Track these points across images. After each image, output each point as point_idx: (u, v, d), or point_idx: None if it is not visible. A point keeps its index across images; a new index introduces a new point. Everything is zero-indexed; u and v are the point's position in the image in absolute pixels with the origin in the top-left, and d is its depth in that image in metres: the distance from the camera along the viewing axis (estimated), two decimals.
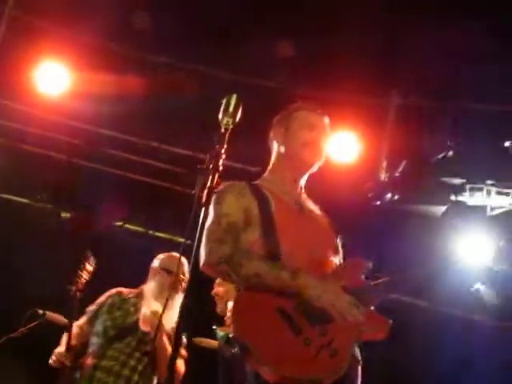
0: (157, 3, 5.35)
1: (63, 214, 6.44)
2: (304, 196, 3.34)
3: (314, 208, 3.39)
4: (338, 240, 3.36)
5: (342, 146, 5.65)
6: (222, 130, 2.86)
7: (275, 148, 3.43)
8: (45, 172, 6.07)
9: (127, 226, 6.51)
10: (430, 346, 6.36)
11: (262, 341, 2.90)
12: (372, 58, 5.30)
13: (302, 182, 3.33)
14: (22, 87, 5.64)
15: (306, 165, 3.30)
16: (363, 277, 3.12)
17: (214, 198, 3.11)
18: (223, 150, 2.78)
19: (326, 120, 3.41)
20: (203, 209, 2.65)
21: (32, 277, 6.00)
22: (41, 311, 4.76)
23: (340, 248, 3.34)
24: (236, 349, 2.96)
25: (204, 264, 2.98)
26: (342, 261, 3.30)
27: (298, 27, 5.30)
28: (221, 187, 3.16)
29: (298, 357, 2.86)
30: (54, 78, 5.63)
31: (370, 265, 3.17)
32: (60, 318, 4.74)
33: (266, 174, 3.44)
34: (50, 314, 4.76)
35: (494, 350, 6.09)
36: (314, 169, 3.31)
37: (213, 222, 3.11)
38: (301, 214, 3.21)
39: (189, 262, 2.86)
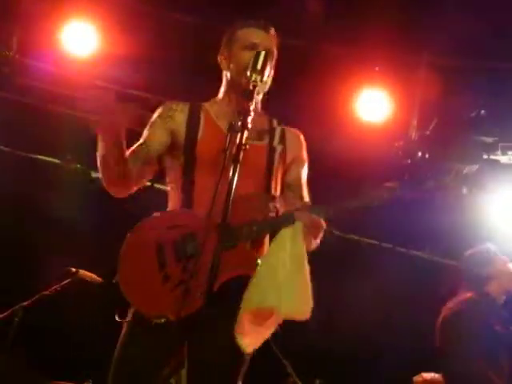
0: None
1: (93, 175, 6.50)
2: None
3: (276, 138, 3.21)
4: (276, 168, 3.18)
5: (373, 104, 5.60)
6: (250, 87, 2.83)
7: (223, 73, 3.29)
8: (74, 133, 6.07)
9: (156, 185, 6.54)
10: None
11: (130, 276, 2.95)
12: (403, 15, 5.23)
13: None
14: (49, 47, 5.61)
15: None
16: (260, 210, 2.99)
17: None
18: (252, 107, 2.75)
19: (271, 33, 3.21)
20: (234, 166, 2.61)
21: (64, 236, 6.06)
22: (73, 269, 4.87)
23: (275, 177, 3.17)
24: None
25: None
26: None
27: None
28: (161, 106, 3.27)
29: (152, 292, 2.90)
30: (81, 39, 5.59)
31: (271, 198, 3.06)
32: (92, 277, 4.90)
33: (216, 97, 3.32)
34: (82, 271, 4.88)
35: None
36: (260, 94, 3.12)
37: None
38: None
39: None
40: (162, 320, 2.82)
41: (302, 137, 3.35)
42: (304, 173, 3.32)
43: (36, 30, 5.55)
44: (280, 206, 3.13)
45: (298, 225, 2.91)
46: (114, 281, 3.07)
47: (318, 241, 3.02)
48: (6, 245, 6.22)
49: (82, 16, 5.55)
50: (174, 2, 5.28)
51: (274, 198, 3.10)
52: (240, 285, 2.82)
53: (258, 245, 3.03)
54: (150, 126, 3.21)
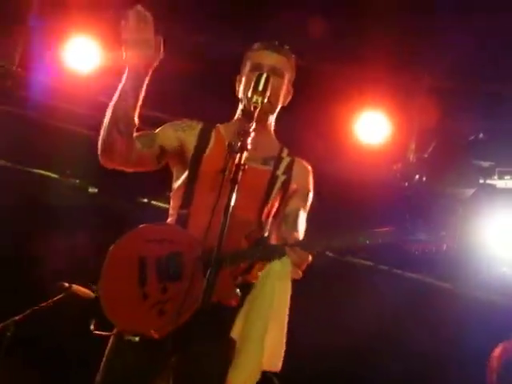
0: None
1: (90, 189, 6.50)
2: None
3: (281, 167, 3.22)
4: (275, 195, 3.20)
5: (372, 126, 5.60)
6: (252, 108, 2.83)
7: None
8: (73, 148, 6.04)
9: (153, 202, 6.55)
10: (454, 329, 6.33)
11: (110, 289, 2.96)
12: (403, 38, 5.25)
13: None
14: (51, 62, 5.62)
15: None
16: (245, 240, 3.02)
17: None
18: (252, 128, 2.73)
19: (284, 54, 3.24)
20: (232, 186, 2.58)
21: (60, 251, 6.03)
22: (67, 284, 4.79)
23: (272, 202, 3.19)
24: None
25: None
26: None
27: (328, 6, 5.26)
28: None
29: (129, 309, 2.90)
30: (83, 54, 5.58)
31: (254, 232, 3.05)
32: (86, 292, 4.79)
33: (232, 120, 3.36)
34: (75, 286, 4.79)
35: None
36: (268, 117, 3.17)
37: None
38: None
39: None
40: (136, 338, 2.83)
41: (310, 169, 3.36)
42: (306, 207, 3.30)
43: (38, 44, 5.55)
44: (270, 234, 3.18)
45: (287, 261, 2.91)
46: (94, 292, 3.08)
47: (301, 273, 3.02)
48: (4, 258, 6.20)
49: (85, 31, 5.55)
50: (175, 18, 5.27)
51: (263, 227, 3.14)
52: (217, 313, 2.77)
53: (242, 272, 3.02)
54: (162, 128, 3.23)
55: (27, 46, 5.53)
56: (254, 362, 2.86)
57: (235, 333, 2.88)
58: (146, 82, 2.94)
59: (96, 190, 6.56)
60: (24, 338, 4.94)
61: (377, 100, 5.59)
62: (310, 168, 3.38)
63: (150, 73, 2.93)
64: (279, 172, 3.21)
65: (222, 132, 3.26)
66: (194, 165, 3.15)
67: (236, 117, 3.34)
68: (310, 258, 2.94)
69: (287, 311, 2.94)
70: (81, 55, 5.58)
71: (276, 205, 3.22)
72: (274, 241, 3.19)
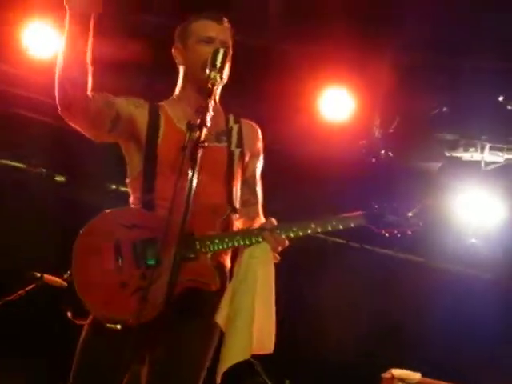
0: None
1: (57, 178, 6.48)
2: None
3: (233, 140, 3.19)
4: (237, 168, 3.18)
5: (336, 102, 5.60)
6: (209, 85, 2.80)
7: (180, 68, 3.23)
8: (37, 136, 6.05)
9: (122, 188, 6.54)
10: (424, 301, 6.42)
11: (85, 274, 2.89)
12: (364, 14, 5.26)
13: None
14: (10, 48, 5.54)
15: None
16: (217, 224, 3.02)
17: None
18: (210, 105, 2.71)
19: (226, 24, 3.16)
20: (192, 165, 2.56)
21: (29, 240, 6.02)
22: (38, 274, 4.76)
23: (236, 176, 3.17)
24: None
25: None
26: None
27: None
28: None
29: (108, 296, 2.85)
30: (44, 40, 5.48)
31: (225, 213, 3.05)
32: (57, 281, 4.73)
33: (173, 95, 3.25)
34: (47, 276, 4.75)
35: (489, 304, 6.12)
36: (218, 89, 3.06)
37: None
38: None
39: None
40: (118, 326, 2.80)
41: (258, 130, 3.32)
42: (259, 167, 3.32)
43: None
44: (241, 216, 3.16)
45: (266, 246, 2.94)
46: (65, 277, 3.03)
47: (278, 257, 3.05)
48: None
49: (44, 17, 5.42)
50: (138, 4, 5.26)
51: (235, 210, 3.10)
52: (196, 298, 2.85)
53: (219, 257, 3.03)
54: (116, 97, 3.08)
55: None
56: (241, 345, 2.87)
57: (220, 318, 2.89)
58: (91, 28, 2.89)
59: (63, 179, 6.53)
60: None
61: (340, 77, 5.59)
62: (256, 128, 3.33)
63: (92, 20, 2.88)
64: (233, 146, 3.16)
65: (168, 110, 3.16)
66: (150, 148, 3.06)
67: (178, 91, 3.23)
68: (287, 242, 2.98)
69: (273, 295, 2.95)
70: (40, 41, 5.49)
71: (239, 180, 3.19)
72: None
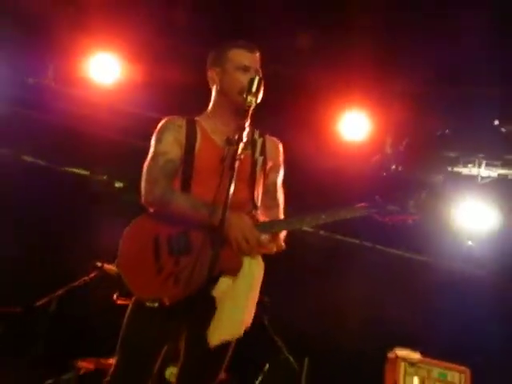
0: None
1: (117, 184, 6.53)
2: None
3: (257, 151, 3.16)
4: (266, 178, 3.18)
5: (354, 125, 5.61)
6: (246, 107, 2.83)
7: (213, 87, 3.17)
8: (100, 148, 6.07)
9: None
10: (430, 298, 6.33)
11: (129, 264, 2.92)
12: (380, 49, 5.19)
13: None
14: (79, 76, 5.63)
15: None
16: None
17: (155, 133, 3.10)
18: (246, 124, 2.76)
19: (257, 54, 3.14)
20: (231, 174, 2.64)
21: (92, 234, 6.02)
22: (99, 263, 4.82)
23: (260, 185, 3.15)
24: None
25: (144, 201, 2.97)
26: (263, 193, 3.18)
27: (316, 21, 5.25)
28: (162, 122, 3.11)
29: (147, 280, 2.88)
30: (105, 69, 5.59)
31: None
32: (114, 269, 4.65)
33: (207, 110, 3.21)
34: (107, 265, 4.81)
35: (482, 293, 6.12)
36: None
37: (151, 159, 3.03)
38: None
39: None
40: (155, 304, 2.82)
41: (280, 145, 3.30)
42: (280, 176, 3.29)
43: (67, 60, 5.59)
44: (260, 213, 3.15)
45: (260, 261, 3.01)
46: (113, 267, 3.05)
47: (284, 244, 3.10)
48: (42, 245, 6.23)
49: (106, 48, 5.55)
50: (185, 35, 5.27)
51: (256, 207, 3.11)
52: (224, 279, 2.88)
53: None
54: (167, 142, 3.06)
55: (58, 62, 5.58)
56: (236, 322, 2.92)
57: (218, 291, 2.88)
58: None
59: (122, 185, 6.57)
60: (64, 311, 5.00)
61: (358, 102, 5.58)
62: (278, 143, 3.29)
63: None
64: (257, 155, 3.13)
65: (204, 125, 3.13)
66: (188, 161, 3.03)
67: (212, 108, 3.19)
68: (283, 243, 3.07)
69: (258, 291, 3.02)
70: (103, 69, 5.59)
71: (261, 183, 3.17)
72: (260, 210, 3.19)
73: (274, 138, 3.29)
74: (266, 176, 3.21)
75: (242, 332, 2.92)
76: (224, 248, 2.78)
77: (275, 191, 3.24)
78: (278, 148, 3.28)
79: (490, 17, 4.75)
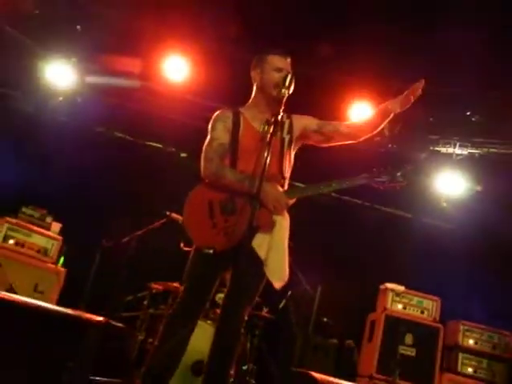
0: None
1: (182, 154, 6.64)
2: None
3: (285, 131, 3.10)
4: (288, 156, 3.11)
5: (359, 113, 5.63)
6: (280, 97, 2.89)
7: (255, 84, 3.19)
8: (170, 128, 6.20)
9: None
10: (414, 247, 6.33)
11: (191, 221, 2.97)
12: (383, 56, 5.19)
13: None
14: (154, 73, 5.81)
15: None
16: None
17: (211, 122, 3.11)
18: (281, 110, 2.83)
19: (289, 60, 3.13)
20: (268, 149, 2.67)
21: (164, 190, 6.00)
22: (168, 212, 4.83)
23: (287, 162, 3.09)
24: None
25: (202, 175, 3.02)
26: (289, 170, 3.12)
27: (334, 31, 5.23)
28: (215, 114, 3.12)
29: (204, 233, 2.93)
30: (177, 68, 5.76)
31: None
32: (179, 218, 4.68)
33: (249, 102, 3.22)
34: (174, 214, 4.82)
35: (452, 243, 6.18)
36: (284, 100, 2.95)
37: (208, 143, 3.07)
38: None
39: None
40: (211, 251, 2.88)
41: (305, 115, 3.26)
42: (316, 120, 3.23)
43: (149, 62, 5.73)
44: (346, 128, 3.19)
45: (287, 217, 3.04)
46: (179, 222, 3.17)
47: None
48: (128, 196, 6.21)
49: (178, 52, 5.69)
50: (236, 44, 5.34)
51: (284, 178, 3.09)
52: (259, 235, 2.92)
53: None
54: (219, 130, 3.08)
55: (142, 64, 5.71)
56: (281, 272, 2.97)
57: (255, 243, 2.90)
58: None
59: (185, 155, 6.63)
60: (142, 247, 5.02)
61: (364, 96, 5.70)
62: (304, 115, 3.23)
63: None
64: (284, 134, 3.12)
65: (246, 115, 3.13)
66: (234, 144, 3.05)
67: (252, 100, 3.20)
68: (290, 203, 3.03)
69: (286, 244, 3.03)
70: (175, 68, 5.76)
71: (287, 158, 3.13)
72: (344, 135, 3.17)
73: (301, 115, 3.28)
74: (309, 134, 3.18)
75: (287, 275, 2.94)
76: (260, 210, 2.81)
77: (323, 123, 3.20)
78: (301, 116, 3.26)
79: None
